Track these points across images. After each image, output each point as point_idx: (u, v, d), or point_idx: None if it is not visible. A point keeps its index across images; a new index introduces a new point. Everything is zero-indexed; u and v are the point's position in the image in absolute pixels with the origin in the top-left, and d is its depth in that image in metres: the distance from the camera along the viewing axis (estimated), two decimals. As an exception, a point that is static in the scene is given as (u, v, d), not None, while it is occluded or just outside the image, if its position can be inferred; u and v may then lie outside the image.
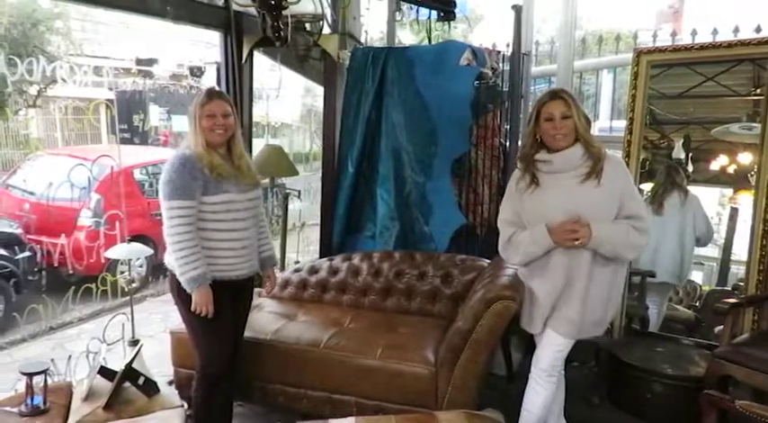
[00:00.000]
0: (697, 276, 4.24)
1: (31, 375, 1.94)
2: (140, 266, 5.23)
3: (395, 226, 3.26)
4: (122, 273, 4.47)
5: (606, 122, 4.90)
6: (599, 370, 3.10)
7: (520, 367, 3.25)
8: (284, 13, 2.70)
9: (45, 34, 8.58)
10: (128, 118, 7.30)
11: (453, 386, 2.28)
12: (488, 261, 2.88)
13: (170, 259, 2.15)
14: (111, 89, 6.33)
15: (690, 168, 3.68)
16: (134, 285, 2.94)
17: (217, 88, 2.48)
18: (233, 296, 2.24)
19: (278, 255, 3.83)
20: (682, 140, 3.70)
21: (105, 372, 2.20)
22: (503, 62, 3.53)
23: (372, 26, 4.31)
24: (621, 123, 3.49)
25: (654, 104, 3.36)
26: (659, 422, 2.71)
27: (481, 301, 2.22)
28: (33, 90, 7.85)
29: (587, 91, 5.17)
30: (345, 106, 3.40)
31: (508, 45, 3.73)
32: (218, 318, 2.15)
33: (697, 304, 3.95)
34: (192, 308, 2.09)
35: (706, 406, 2.31)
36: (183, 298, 2.15)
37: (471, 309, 2.25)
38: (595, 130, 5.18)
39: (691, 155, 3.70)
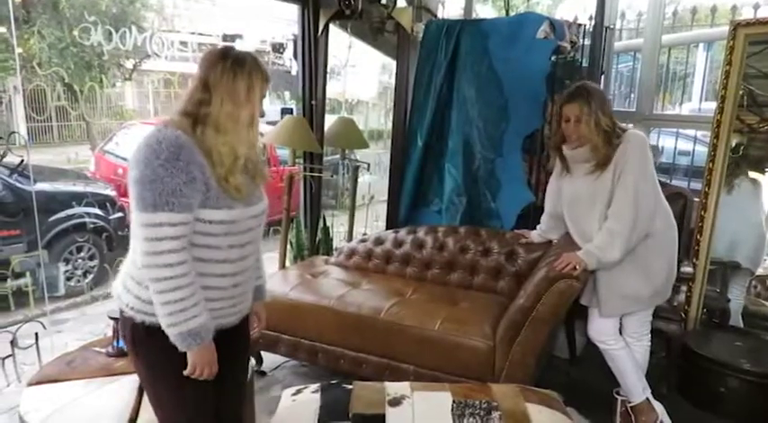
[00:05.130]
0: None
1: (116, 320, 2.12)
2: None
3: (461, 202, 3.25)
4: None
5: (696, 104, 4.59)
6: (669, 360, 2.97)
7: (583, 351, 3.18)
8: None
9: (141, 11, 9.08)
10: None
11: (511, 362, 2.28)
12: (555, 240, 2.82)
13: (129, 297, 1.43)
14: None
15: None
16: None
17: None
18: (221, 350, 1.49)
19: (346, 227, 3.95)
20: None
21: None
22: (584, 36, 3.38)
23: (452, 1, 4.25)
24: (712, 105, 3.28)
25: (753, 84, 3.11)
26: (732, 418, 2.56)
27: (544, 278, 2.19)
28: (129, 64, 8.36)
29: (675, 69, 4.84)
30: (417, 80, 3.40)
31: (591, 18, 3.56)
32: (199, 383, 1.45)
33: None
34: (189, 371, 1.40)
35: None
36: (149, 353, 1.45)
37: (534, 286, 2.22)
38: (686, 111, 4.86)
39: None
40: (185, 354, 1.39)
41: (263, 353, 2.96)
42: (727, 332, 3.01)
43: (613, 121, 2.16)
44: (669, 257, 2.24)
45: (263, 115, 1.46)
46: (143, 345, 1.44)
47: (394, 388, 1.78)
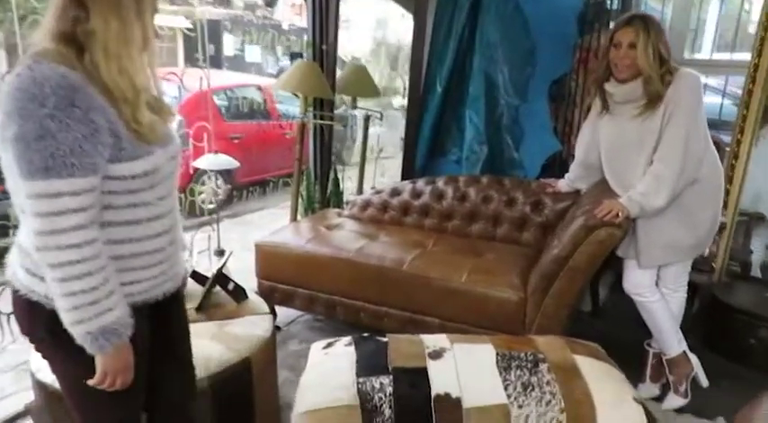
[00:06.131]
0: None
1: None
2: (219, 187, 5.39)
3: (483, 150, 3.11)
4: (200, 193, 4.61)
5: (708, 54, 4.43)
6: (697, 311, 2.91)
7: (606, 304, 3.12)
8: None
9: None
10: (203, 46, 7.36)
11: (543, 314, 2.19)
12: (583, 190, 2.70)
13: (27, 279, 1.13)
14: (188, 18, 6.33)
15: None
16: (220, 197, 2.97)
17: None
18: (155, 323, 1.27)
19: (354, 182, 3.81)
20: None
21: (196, 276, 2.25)
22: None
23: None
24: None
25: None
26: (762, 370, 2.51)
27: (583, 227, 2.07)
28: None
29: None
30: (436, 23, 3.20)
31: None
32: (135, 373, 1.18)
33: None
34: (97, 380, 1.12)
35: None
36: (62, 344, 1.11)
37: (571, 235, 2.10)
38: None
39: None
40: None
41: (276, 308, 2.87)
42: (754, 284, 2.95)
43: (670, 53, 1.99)
44: (714, 206, 2.12)
45: (157, 36, 1.17)
46: (69, 336, 1.08)
47: (432, 340, 1.68)
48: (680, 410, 2.20)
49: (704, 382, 2.23)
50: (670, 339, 2.21)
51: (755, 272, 3.23)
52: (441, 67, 3.17)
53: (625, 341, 2.55)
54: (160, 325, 1.29)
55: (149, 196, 1.14)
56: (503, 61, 3.00)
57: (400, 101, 9.66)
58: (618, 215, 1.99)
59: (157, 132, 1.14)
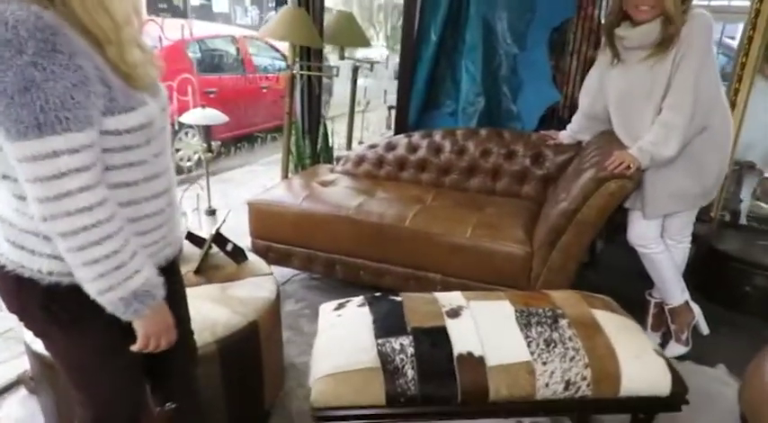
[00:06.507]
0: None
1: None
2: (200, 144, 5.19)
3: (479, 102, 3.01)
4: (178, 150, 4.42)
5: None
6: (692, 260, 2.93)
7: (601, 254, 3.13)
8: None
9: None
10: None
11: (550, 268, 2.16)
12: (585, 142, 2.65)
13: (41, 261, 1.01)
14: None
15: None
16: (210, 155, 2.83)
17: None
18: None
19: (341, 137, 3.69)
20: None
21: (192, 237, 2.15)
22: None
23: None
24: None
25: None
26: (757, 316, 2.56)
27: (593, 179, 2.02)
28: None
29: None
30: (430, -34, 3.03)
31: None
32: (128, 340, 1.08)
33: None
34: (141, 345, 1.07)
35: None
36: (57, 321, 1.06)
37: (580, 188, 2.06)
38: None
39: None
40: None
41: (272, 267, 2.80)
42: (745, 232, 2.98)
43: None
44: (723, 154, 2.09)
45: None
46: (66, 310, 1.03)
47: (447, 299, 1.64)
48: (681, 358, 2.24)
49: (705, 329, 2.26)
50: (673, 289, 2.22)
51: (742, 220, 3.27)
52: (435, 14, 3.02)
53: (622, 292, 2.57)
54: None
55: (146, 153, 1.03)
56: (501, 6, 2.87)
57: (378, 51, 9.40)
58: (629, 167, 1.94)
59: (150, 74, 1.03)
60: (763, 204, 3.59)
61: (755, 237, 2.88)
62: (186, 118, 2.65)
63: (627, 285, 2.43)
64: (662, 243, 2.20)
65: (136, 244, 1.01)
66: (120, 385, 1.18)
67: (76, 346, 1.09)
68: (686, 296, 2.24)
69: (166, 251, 1.16)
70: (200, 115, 2.64)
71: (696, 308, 2.26)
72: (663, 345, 2.33)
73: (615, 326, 1.54)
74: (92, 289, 0.97)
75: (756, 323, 2.53)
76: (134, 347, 1.07)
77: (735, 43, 3.58)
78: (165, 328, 1.09)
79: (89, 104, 0.90)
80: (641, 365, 1.42)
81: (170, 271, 1.20)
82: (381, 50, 9.49)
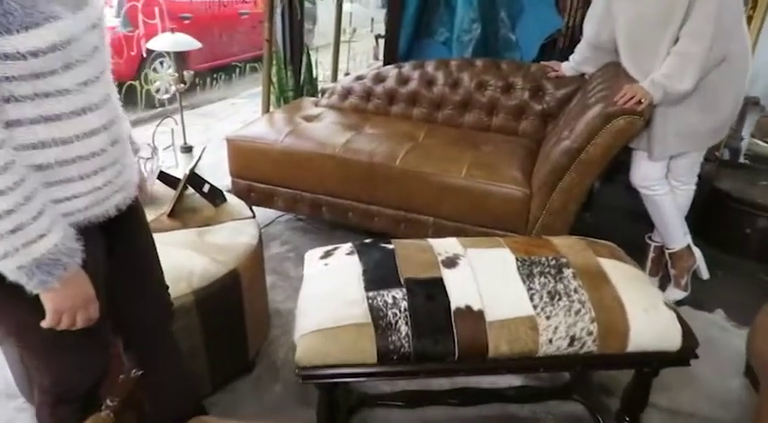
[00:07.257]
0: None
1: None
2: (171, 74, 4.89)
3: (476, 29, 2.78)
4: (155, 82, 4.13)
5: None
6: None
7: (597, 195, 3.02)
8: None
9: None
10: None
11: (549, 211, 2.04)
12: (588, 74, 2.46)
13: None
14: None
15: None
16: (182, 86, 2.60)
17: None
18: (113, 243, 1.05)
19: (329, 67, 3.44)
20: None
21: (165, 177, 1.98)
22: None
23: None
24: None
25: None
26: (757, 259, 2.49)
27: (600, 115, 1.86)
28: None
29: None
30: None
31: None
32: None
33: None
34: (49, 322, 0.91)
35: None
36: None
37: (585, 124, 1.90)
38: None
39: None
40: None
41: (254, 208, 2.66)
42: (745, 171, 2.86)
43: None
44: (738, 88, 1.92)
45: None
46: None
47: (442, 246, 1.52)
48: (679, 303, 2.18)
49: (705, 274, 2.19)
50: (675, 232, 2.12)
51: (741, 158, 3.16)
52: (429, -72, 2.73)
53: (619, 235, 2.48)
54: (118, 244, 1.07)
55: (66, 81, 0.83)
56: None
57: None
58: (640, 102, 1.78)
59: None
60: (759, 142, 3.48)
61: (756, 176, 2.77)
62: (153, 44, 2.39)
63: (626, 227, 2.34)
64: (666, 184, 2.08)
65: (44, 200, 0.84)
66: (73, 354, 1.04)
67: (26, 317, 0.93)
68: (688, 240, 2.15)
69: (115, 198, 0.99)
70: (169, 41, 2.38)
71: (698, 252, 2.18)
72: (661, 289, 2.26)
73: (623, 276, 1.43)
74: None
75: (754, 267, 2.46)
76: (43, 324, 0.91)
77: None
78: (82, 303, 0.92)
79: None
80: (651, 319, 1.32)
81: (128, 219, 1.04)
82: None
